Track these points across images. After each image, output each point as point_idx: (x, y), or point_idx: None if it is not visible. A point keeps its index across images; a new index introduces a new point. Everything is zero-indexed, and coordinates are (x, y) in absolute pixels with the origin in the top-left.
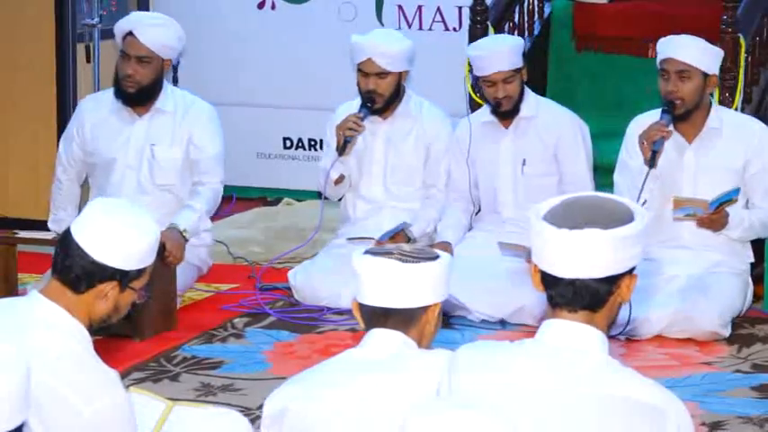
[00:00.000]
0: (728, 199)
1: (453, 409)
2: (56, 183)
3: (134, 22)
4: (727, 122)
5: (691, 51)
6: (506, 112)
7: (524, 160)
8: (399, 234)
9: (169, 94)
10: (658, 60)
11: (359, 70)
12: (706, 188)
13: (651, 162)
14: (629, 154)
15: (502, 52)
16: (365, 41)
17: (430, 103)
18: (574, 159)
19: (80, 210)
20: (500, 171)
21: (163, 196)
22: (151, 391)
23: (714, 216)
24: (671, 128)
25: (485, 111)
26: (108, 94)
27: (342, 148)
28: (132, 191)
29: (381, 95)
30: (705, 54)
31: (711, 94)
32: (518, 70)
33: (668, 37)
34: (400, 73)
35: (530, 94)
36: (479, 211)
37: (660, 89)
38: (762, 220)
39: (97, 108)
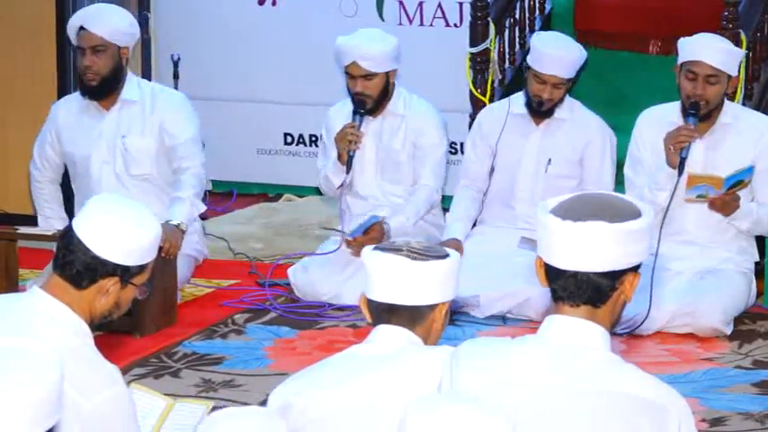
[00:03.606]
0: (742, 178)
1: (453, 404)
2: (34, 184)
3: (82, 16)
4: (739, 118)
5: (721, 56)
6: (542, 112)
7: (550, 160)
8: (374, 228)
9: (134, 84)
10: (683, 59)
11: (345, 73)
12: None
13: (681, 168)
14: (639, 147)
15: (566, 59)
16: (348, 44)
17: (419, 97)
18: (599, 166)
19: (65, 207)
20: (523, 166)
21: (142, 186)
22: (151, 389)
23: (726, 197)
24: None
25: (518, 101)
26: (77, 95)
27: (349, 165)
28: (112, 185)
29: (370, 97)
30: (732, 57)
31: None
32: (570, 80)
33: (695, 37)
34: (387, 72)
35: (566, 98)
36: (485, 195)
37: (682, 88)
38: None
39: (68, 109)
